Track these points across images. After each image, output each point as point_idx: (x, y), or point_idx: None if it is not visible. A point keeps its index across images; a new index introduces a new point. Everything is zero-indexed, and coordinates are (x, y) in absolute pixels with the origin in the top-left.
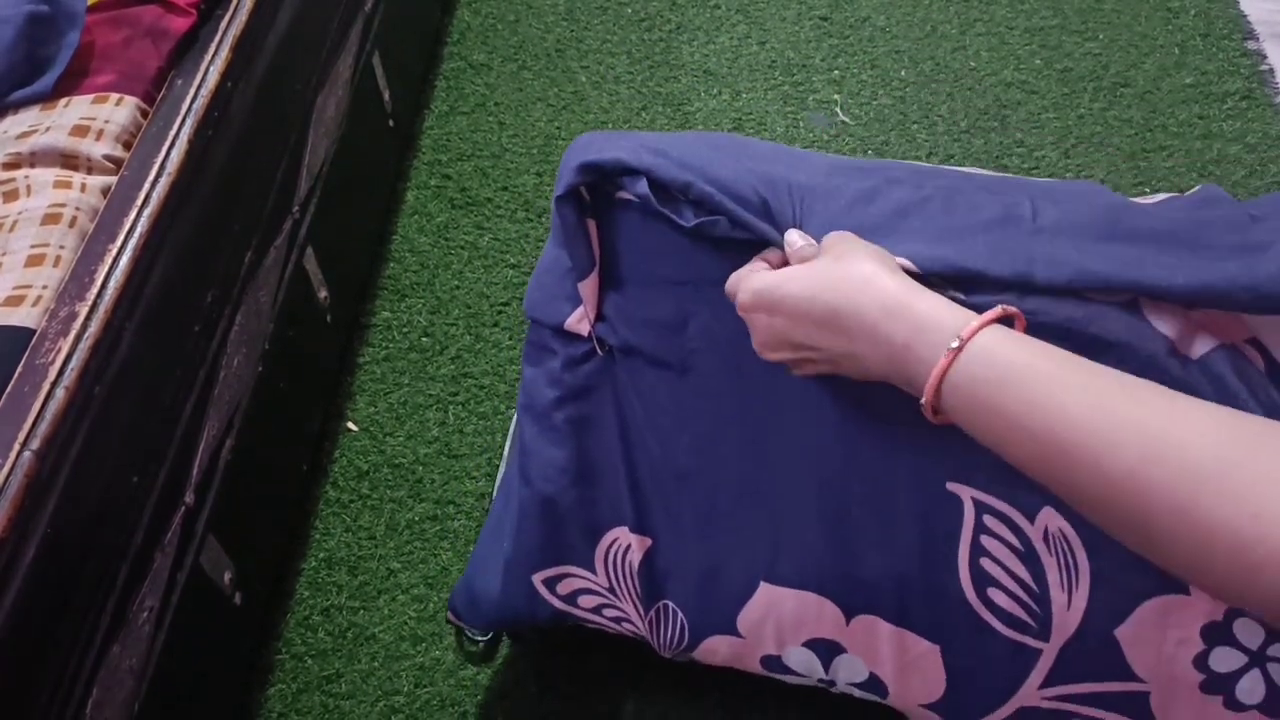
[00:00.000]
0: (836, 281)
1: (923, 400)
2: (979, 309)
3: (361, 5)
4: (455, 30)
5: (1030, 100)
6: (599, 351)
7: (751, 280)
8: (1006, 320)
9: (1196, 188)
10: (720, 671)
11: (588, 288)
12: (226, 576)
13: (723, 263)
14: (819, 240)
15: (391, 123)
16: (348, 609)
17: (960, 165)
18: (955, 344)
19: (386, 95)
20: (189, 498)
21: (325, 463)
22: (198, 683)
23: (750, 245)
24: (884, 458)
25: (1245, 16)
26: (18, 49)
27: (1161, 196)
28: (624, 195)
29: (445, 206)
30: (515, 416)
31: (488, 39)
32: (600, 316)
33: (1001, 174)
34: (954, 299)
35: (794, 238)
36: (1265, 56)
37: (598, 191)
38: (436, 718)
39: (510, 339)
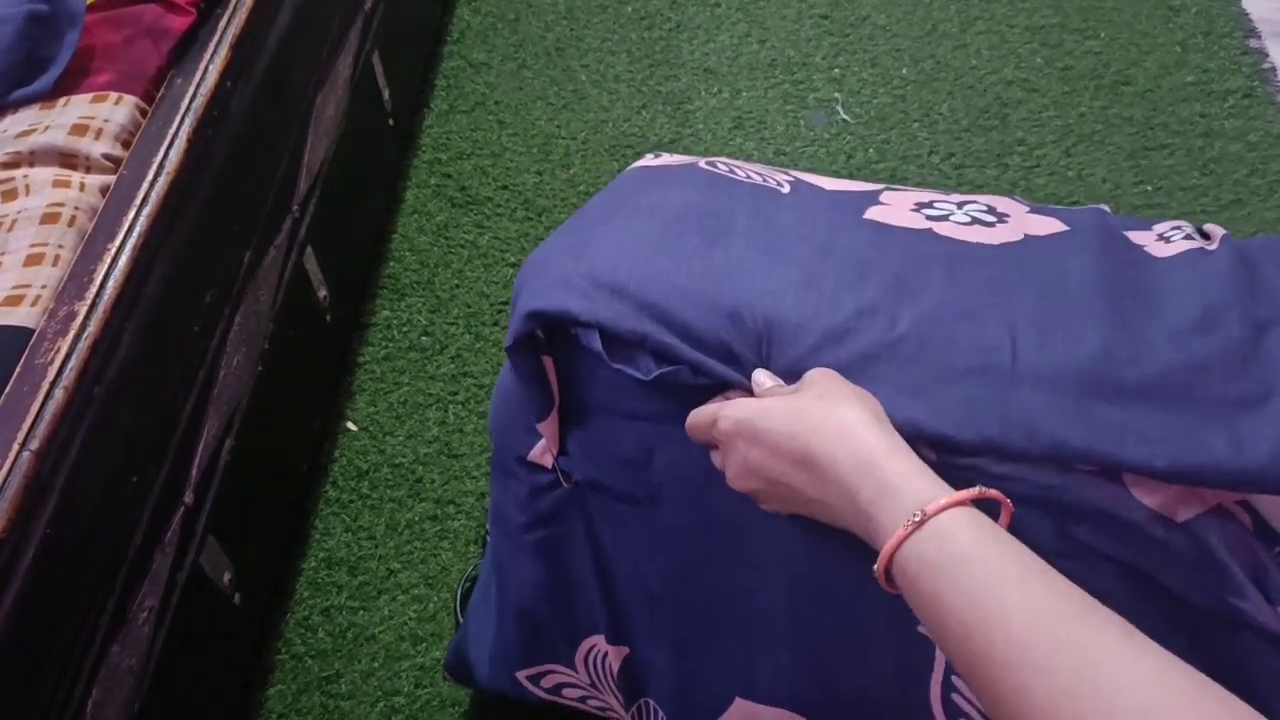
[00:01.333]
0: (816, 423)
1: (874, 568)
2: (955, 472)
3: (361, 4)
4: (455, 29)
5: (1031, 99)
6: (564, 484)
7: (734, 408)
8: (987, 502)
9: (1219, 238)
10: None
11: (548, 427)
12: (226, 576)
13: (684, 399)
14: (791, 379)
15: (391, 122)
16: (348, 609)
17: (961, 164)
18: (917, 517)
19: (386, 94)
20: (188, 498)
21: (325, 462)
22: (197, 683)
23: (712, 388)
24: (855, 592)
25: (1246, 14)
26: (17, 48)
27: (1178, 241)
28: (578, 337)
29: (445, 205)
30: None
31: (487, 38)
32: (563, 450)
33: (999, 243)
34: (926, 458)
35: (762, 378)
36: (1267, 54)
37: (552, 326)
38: (436, 718)
39: None
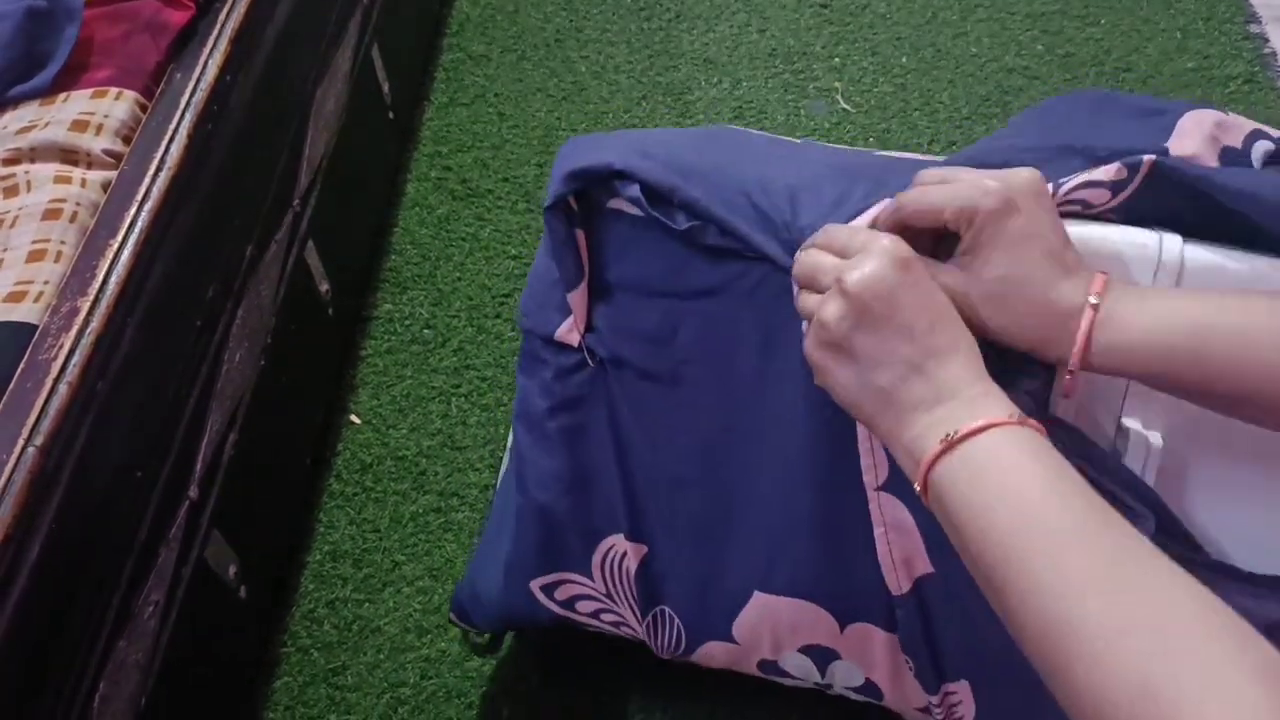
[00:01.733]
0: (951, 319)
1: (952, 432)
2: None
3: None
4: (454, 21)
5: (1032, 86)
6: (589, 362)
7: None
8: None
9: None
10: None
11: (577, 299)
12: (231, 570)
13: (710, 274)
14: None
15: (391, 115)
16: (353, 602)
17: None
18: (1012, 417)
19: (386, 87)
20: (193, 492)
21: (328, 456)
22: (204, 676)
23: (739, 254)
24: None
25: (1248, 0)
26: (16, 44)
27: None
28: (613, 205)
29: (446, 198)
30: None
31: (487, 30)
32: (590, 327)
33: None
34: None
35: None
36: (1268, 40)
37: (586, 201)
38: (442, 709)
39: (512, 330)
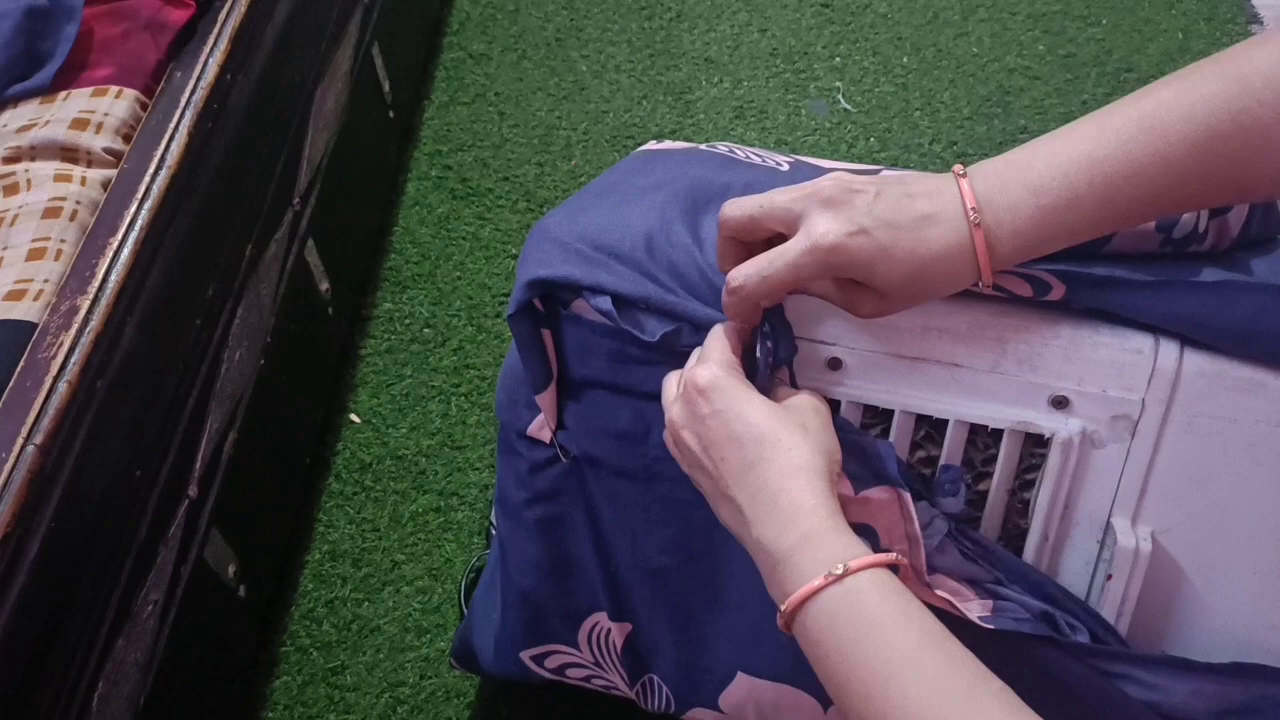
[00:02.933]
0: (780, 448)
1: (782, 608)
2: None
3: None
4: (454, 20)
5: (1034, 86)
6: (563, 459)
7: (720, 367)
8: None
9: None
10: None
11: (546, 400)
12: (230, 569)
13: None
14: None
15: (391, 114)
16: (352, 601)
17: (963, 153)
18: (839, 570)
19: (386, 86)
20: (192, 491)
21: (328, 455)
22: (203, 676)
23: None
24: None
25: (1249, 0)
26: (16, 42)
27: None
28: (575, 310)
29: (446, 197)
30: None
31: (487, 29)
32: (561, 424)
33: None
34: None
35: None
36: None
37: (551, 301)
38: (441, 709)
39: None
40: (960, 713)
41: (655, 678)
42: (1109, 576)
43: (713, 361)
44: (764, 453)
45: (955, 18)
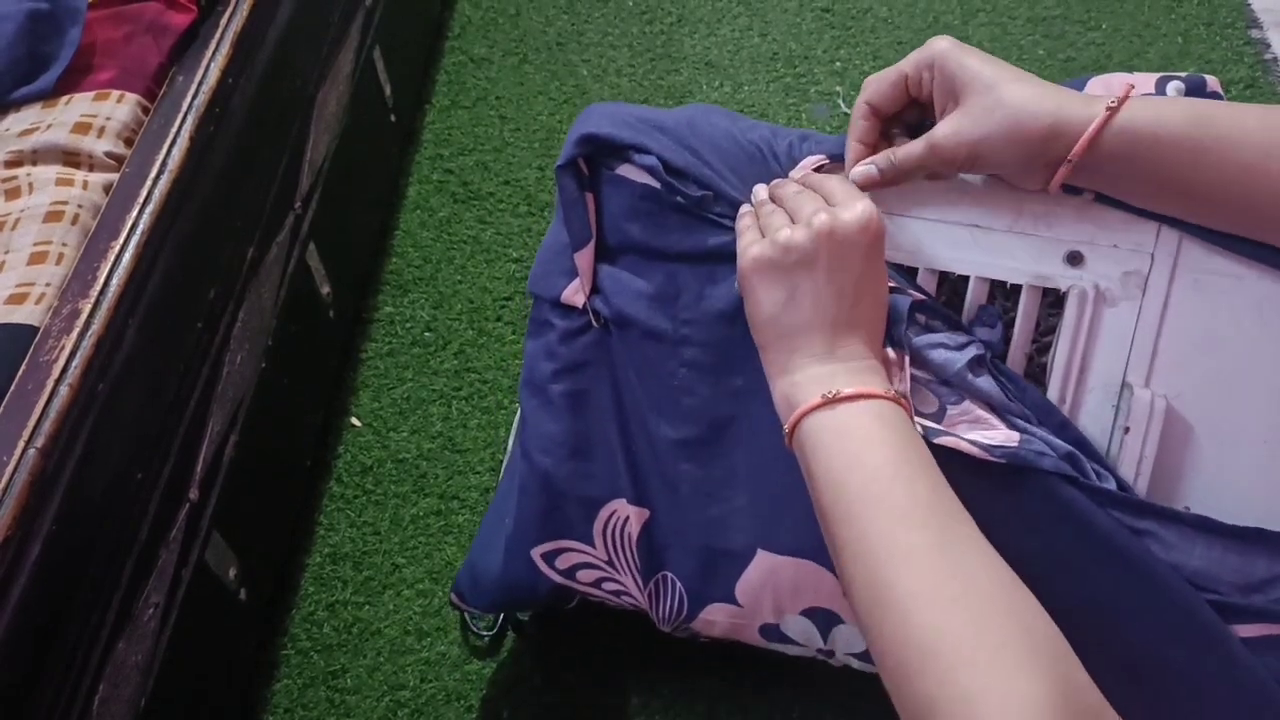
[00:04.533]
0: (876, 287)
1: (804, 405)
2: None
3: (362, 0)
4: (456, 24)
5: None
6: (594, 324)
7: (864, 205)
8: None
9: None
10: (724, 664)
11: (583, 259)
12: (231, 572)
13: (714, 239)
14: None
15: (393, 117)
16: (353, 604)
17: None
18: (832, 394)
19: (388, 90)
20: (193, 494)
21: (329, 458)
22: (203, 678)
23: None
24: None
25: (1249, 4)
26: (18, 46)
27: None
28: (621, 171)
29: (447, 201)
30: (519, 406)
31: (489, 32)
32: (595, 289)
33: None
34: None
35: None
36: (1269, 45)
37: (596, 166)
38: (442, 712)
39: (513, 333)
40: (923, 545)
41: (669, 574)
42: (1126, 430)
43: (870, 207)
44: (863, 287)
45: (955, 22)
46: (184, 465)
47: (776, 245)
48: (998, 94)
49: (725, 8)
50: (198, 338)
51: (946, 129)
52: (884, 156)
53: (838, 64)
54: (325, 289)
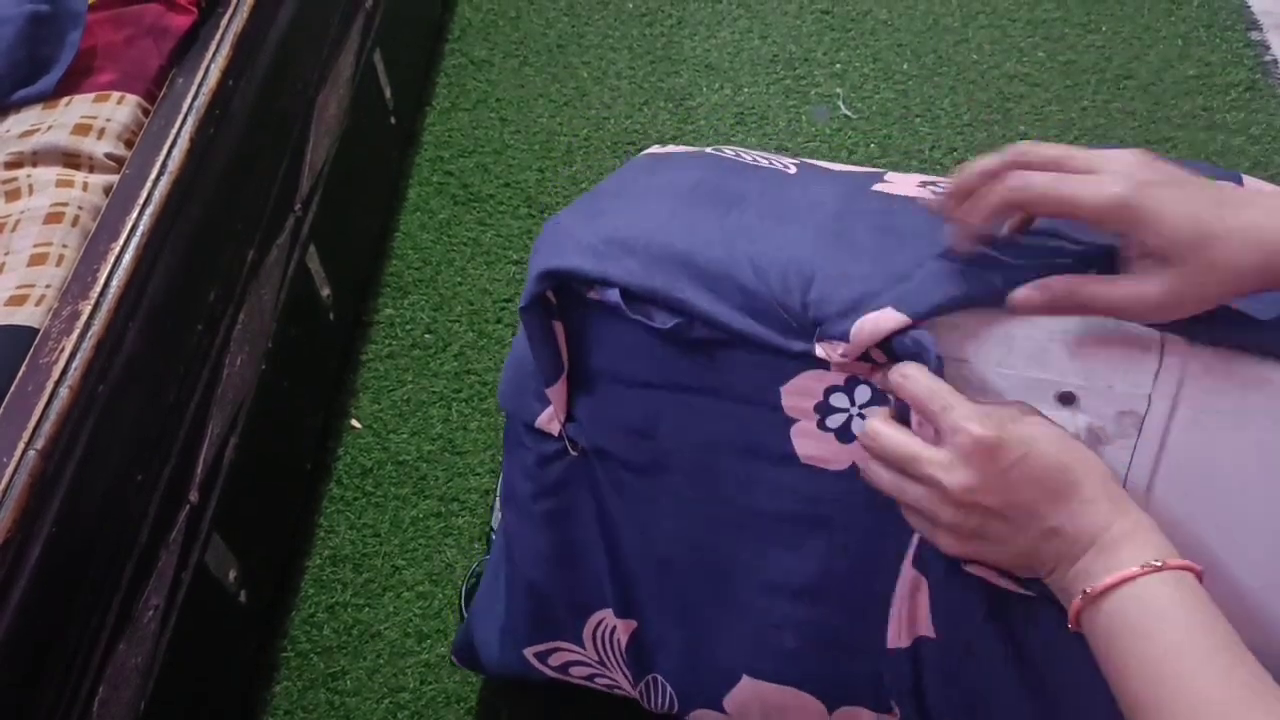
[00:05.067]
0: (1083, 458)
1: (1090, 588)
2: None
3: (362, 2)
4: (456, 26)
5: (1033, 93)
6: (571, 452)
7: (981, 423)
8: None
9: None
10: None
11: (556, 393)
12: (231, 574)
13: (693, 366)
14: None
15: (393, 119)
16: (353, 606)
17: (964, 159)
18: (1157, 562)
19: (388, 92)
20: (193, 496)
21: (329, 460)
22: (203, 680)
23: (726, 344)
24: (860, 562)
25: (1249, 7)
26: (19, 49)
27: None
28: (593, 295)
29: (447, 203)
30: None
31: (489, 35)
32: (570, 416)
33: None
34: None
35: (920, 379)
36: (1269, 47)
37: (565, 291)
38: (442, 714)
39: (513, 335)
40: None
41: (659, 677)
42: None
43: (974, 414)
44: (1076, 475)
45: (955, 24)
46: (184, 467)
47: (944, 533)
48: (1209, 256)
49: (725, 10)
50: (198, 340)
51: (1163, 291)
52: (1065, 286)
53: (838, 66)
54: (325, 291)
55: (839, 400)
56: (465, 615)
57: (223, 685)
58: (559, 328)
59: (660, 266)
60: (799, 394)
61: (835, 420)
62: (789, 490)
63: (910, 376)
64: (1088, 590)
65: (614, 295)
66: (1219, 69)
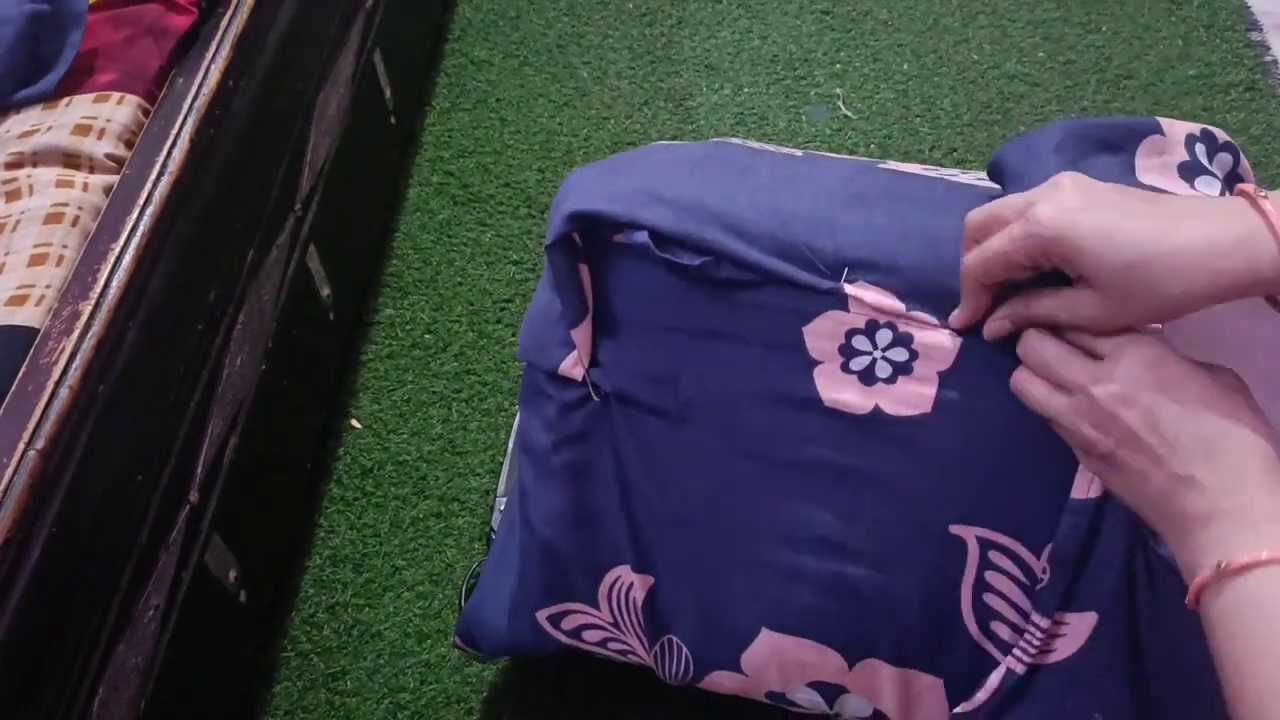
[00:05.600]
0: (1245, 404)
1: (1224, 562)
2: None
3: (362, 2)
4: (456, 26)
5: (1033, 93)
6: (594, 398)
7: (1152, 345)
8: None
9: None
10: None
11: (581, 334)
12: (231, 574)
13: (718, 310)
14: None
15: (393, 120)
16: (353, 606)
17: (964, 159)
18: None
19: (388, 92)
20: (193, 496)
21: (329, 460)
22: (203, 681)
23: (752, 285)
24: (882, 512)
25: (1249, 7)
26: (19, 49)
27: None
28: (619, 239)
29: (447, 203)
30: (518, 417)
31: (489, 35)
32: (594, 362)
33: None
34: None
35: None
36: (1269, 48)
37: (591, 234)
38: (442, 714)
39: (513, 335)
40: None
41: (675, 639)
42: None
43: (1145, 340)
44: (1227, 432)
45: (955, 24)
46: (184, 467)
47: (1081, 447)
48: (1142, 280)
49: (725, 10)
50: (198, 340)
51: (1094, 311)
52: (1019, 310)
53: (838, 66)
54: (325, 291)
55: (861, 343)
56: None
57: (223, 685)
58: (584, 270)
59: (689, 213)
60: (821, 335)
61: (859, 363)
62: (812, 437)
63: (1036, 347)
64: (1222, 564)
65: (642, 237)
66: (1219, 69)
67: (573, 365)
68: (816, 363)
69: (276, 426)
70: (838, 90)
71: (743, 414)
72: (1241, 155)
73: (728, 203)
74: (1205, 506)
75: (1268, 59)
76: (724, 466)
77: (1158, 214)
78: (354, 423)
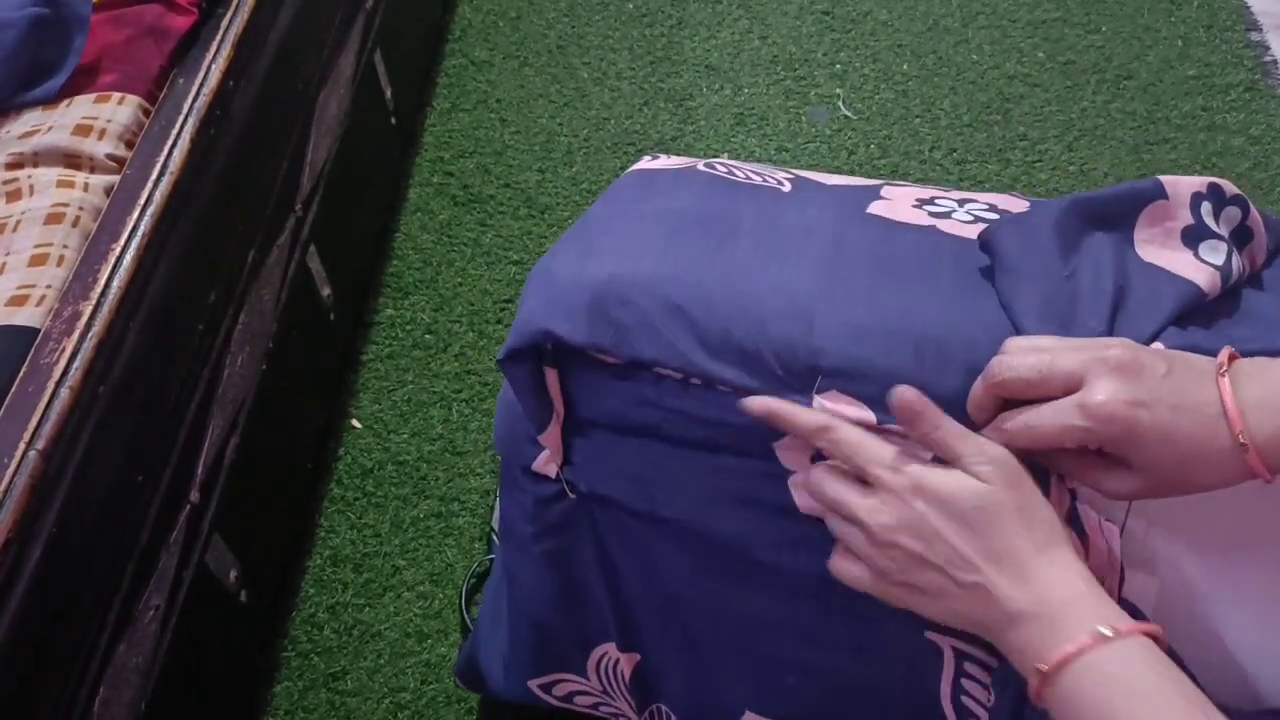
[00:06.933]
0: (1018, 519)
1: (1042, 665)
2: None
3: (363, 3)
4: (457, 27)
5: (1033, 93)
6: (569, 495)
7: (922, 473)
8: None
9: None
10: None
11: (550, 438)
12: (232, 574)
13: (690, 420)
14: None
15: (393, 120)
16: (353, 606)
17: (963, 159)
18: (1108, 632)
19: (388, 93)
20: (194, 496)
21: (330, 460)
22: (204, 681)
23: (723, 394)
24: (861, 608)
25: (1248, 8)
26: (21, 53)
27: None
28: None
29: (447, 204)
30: (497, 500)
31: (489, 36)
32: (568, 459)
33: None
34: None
35: (914, 403)
36: (1269, 48)
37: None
38: (443, 714)
39: None
40: None
41: (663, 707)
42: None
43: (902, 469)
44: (998, 521)
45: (955, 25)
46: (185, 468)
47: (876, 579)
48: (1184, 474)
49: (725, 11)
50: (198, 340)
51: (1131, 489)
52: (1023, 424)
53: (838, 67)
54: (326, 291)
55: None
56: (466, 617)
57: (223, 685)
58: (552, 374)
59: (656, 323)
60: (793, 449)
61: None
62: (788, 543)
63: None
64: (1040, 668)
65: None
66: (1219, 70)
67: (545, 463)
68: (790, 472)
69: (277, 427)
70: (838, 91)
71: (719, 518)
72: (1251, 206)
73: (698, 294)
74: (1001, 613)
75: (1267, 59)
76: (704, 561)
77: (1196, 407)
78: (354, 423)
